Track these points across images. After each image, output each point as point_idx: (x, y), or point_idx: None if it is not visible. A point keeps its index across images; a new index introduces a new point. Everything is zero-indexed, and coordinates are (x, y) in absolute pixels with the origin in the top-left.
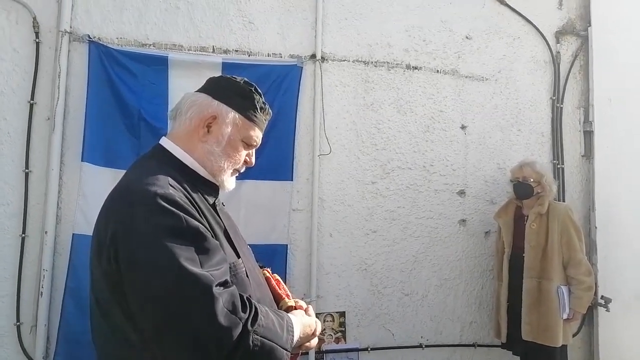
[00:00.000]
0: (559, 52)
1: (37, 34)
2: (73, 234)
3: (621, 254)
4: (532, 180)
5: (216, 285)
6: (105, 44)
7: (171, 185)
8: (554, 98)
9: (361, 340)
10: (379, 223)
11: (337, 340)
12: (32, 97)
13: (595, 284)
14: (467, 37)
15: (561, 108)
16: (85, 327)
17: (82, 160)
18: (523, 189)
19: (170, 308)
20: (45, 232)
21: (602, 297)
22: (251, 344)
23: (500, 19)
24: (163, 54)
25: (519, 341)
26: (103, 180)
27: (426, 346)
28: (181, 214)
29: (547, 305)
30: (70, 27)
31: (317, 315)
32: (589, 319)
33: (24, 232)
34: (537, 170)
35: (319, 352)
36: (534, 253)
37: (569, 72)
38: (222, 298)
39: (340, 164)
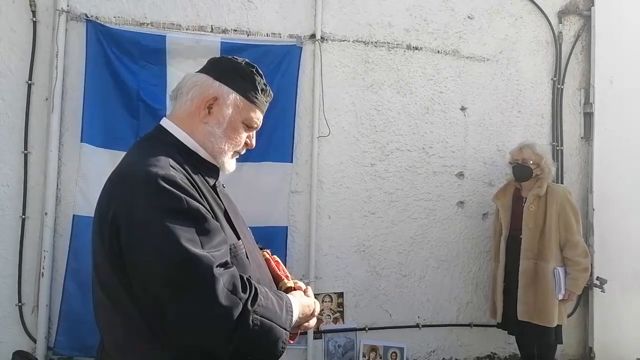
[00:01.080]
0: (561, 32)
1: (34, 12)
2: (73, 215)
3: (618, 235)
4: (531, 162)
5: (217, 266)
6: (102, 23)
7: (172, 167)
8: (555, 79)
9: (359, 320)
10: (378, 205)
11: (335, 321)
12: (30, 77)
13: (591, 265)
14: (468, 17)
15: (562, 89)
16: (86, 307)
17: (81, 141)
18: (522, 170)
19: (171, 288)
20: (45, 213)
21: (598, 278)
22: (251, 323)
23: None
24: (161, 33)
25: (515, 321)
26: (102, 161)
27: (423, 326)
28: (182, 195)
29: (543, 285)
30: (68, 6)
31: (316, 295)
32: (584, 300)
33: (24, 213)
34: (536, 152)
35: (318, 332)
36: (531, 235)
37: (571, 52)
38: (223, 278)
39: (340, 146)
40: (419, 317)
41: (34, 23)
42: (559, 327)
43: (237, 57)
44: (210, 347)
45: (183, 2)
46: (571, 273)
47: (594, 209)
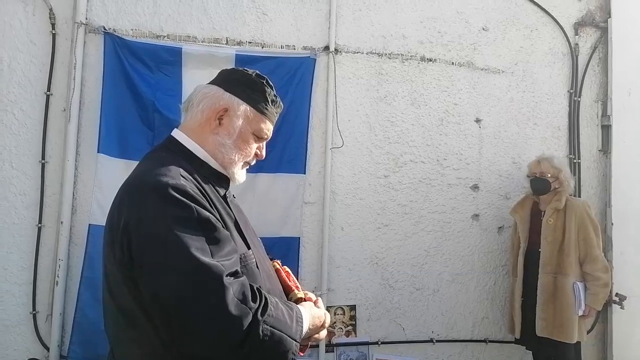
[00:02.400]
0: (577, 44)
1: (53, 25)
2: (89, 224)
3: (637, 250)
4: (549, 175)
5: (227, 275)
6: (120, 36)
7: (182, 176)
8: (572, 91)
9: (372, 333)
10: (391, 217)
11: (348, 334)
12: (49, 89)
13: (611, 281)
14: (483, 29)
15: (579, 101)
16: (100, 317)
17: (98, 152)
18: (540, 184)
19: (181, 297)
20: (61, 222)
21: (617, 294)
22: (261, 333)
23: (518, 10)
24: (177, 45)
25: (533, 337)
26: (118, 172)
27: (437, 341)
28: (192, 204)
29: (563, 301)
30: (86, 19)
31: (328, 308)
32: (602, 316)
33: (40, 222)
34: (555, 165)
35: (330, 345)
36: (550, 249)
37: (588, 64)
38: (233, 288)
39: (353, 157)
40: (432, 331)
41: (53, 35)
42: (578, 343)
43: (248, 69)
44: (219, 357)
45: (199, 15)
46: (591, 288)
47: (612, 224)
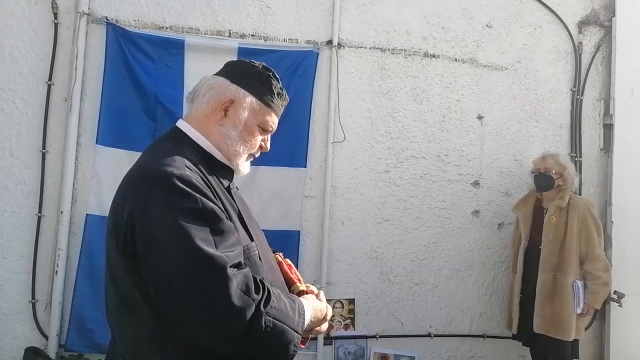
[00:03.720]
0: (581, 43)
1: (55, 15)
2: (87, 214)
3: (637, 248)
4: (554, 172)
5: (230, 267)
6: (122, 27)
7: (187, 167)
8: (574, 90)
9: (370, 327)
10: (391, 212)
11: (346, 327)
12: (50, 78)
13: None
14: (487, 26)
15: (581, 100)
16: (97, 305)
17: (96, 143)
18: (544, 180)
19: (185, 288)
20: (61, 212)
21: (615, 292)
22: (263, 325)
23: (522, 8)
24: (180, 37)
25: (530, 333)
26: (118, 162)
27: (435, 335)
28: (197, 195)
29: (562, 298)
30: (89, 9)
31: (327, 301)
32: (600, 314)
33: (40, 211)
34: (560, 162)
35: (328, 338)
36: (551, 246)
37: (591, 63)
38: (236, 279)
39: (354, 152)
40: (431, 326)
41: (55, 25)
42: (575, 341)
43: (254, 61)
44: (222, 347)
45: (202, 6)
46: (591, 287)
47: (612, 222)
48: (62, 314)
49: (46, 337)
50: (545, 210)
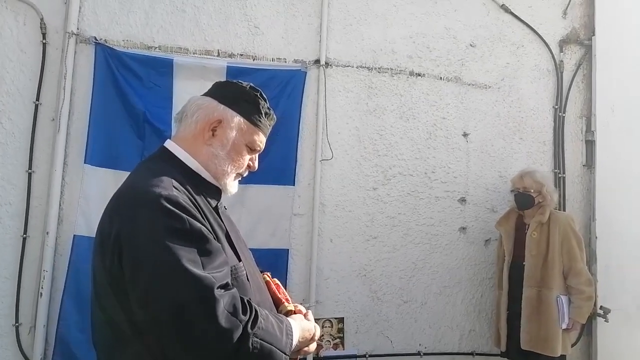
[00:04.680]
0: (562, 61)
1: (44, 35)
2: (74, 235)
3: (621, 264)
4: (532, 190)
5: (217, 288)
6: (111, 46)
7: (175, 187)
8: (557, 107)
9: (359, 346)
10: (380, 229)
11: (335, 347)
12: (38, 98)
13: (595, 294)
14: (470, 45)
15: (563, 117)
16: (83, 328)
17: (84, 162)
18: (524, 199)
19: (171, 309)
20: (47, 233)
21: (601, 307)
22: (251, 346)
23: (505, 27)
24: (168, 56)
25: (518, 350)
26: (106, 182)
27: (424, 354)
28: (184, 215)
29: (547, 314)
30: (77, 29)
31: (316, 320)
32: (587, 330)
33: (25, 232)
34: (537, 179)
35: (318, 358)
36: (534, 262)
37: (572, 81)
38: (223, 300)
39: (342, 170)
40: (420, 344)
41: (44, 45)
42: (563, 357)
43: (242, 81)
44: None
45: (191, 26)
46: (575, 302)
47: (596, 237)
48: (47, 337)
49: None
50: (527, 226)
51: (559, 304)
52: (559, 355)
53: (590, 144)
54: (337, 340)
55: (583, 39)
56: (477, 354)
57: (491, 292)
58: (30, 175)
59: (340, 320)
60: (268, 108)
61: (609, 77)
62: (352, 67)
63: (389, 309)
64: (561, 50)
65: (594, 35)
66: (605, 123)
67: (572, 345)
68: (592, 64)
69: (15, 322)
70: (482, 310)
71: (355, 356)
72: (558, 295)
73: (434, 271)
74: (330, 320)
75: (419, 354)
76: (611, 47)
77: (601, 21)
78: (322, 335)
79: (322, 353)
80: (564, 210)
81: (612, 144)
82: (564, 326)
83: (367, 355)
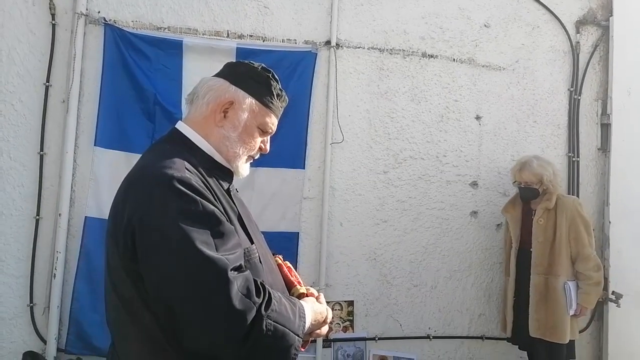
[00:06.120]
0: (578, 42)
1: (53, 15)
2: (85, 216)
3: (635, 249)
4: (533, 183)
5: (231, 270)
6: (120, 27)
7: (187, 169)
8: (572, 89)
9: (369, 329)
10: (390, 213)
11: (345, 329)
12: (48, 80)
13: (607, 279)
14: (485, 25)
15: (579, 100)
16: (96, 309)
17: (94, 145)
18: (527, 193)
19: (185, 291)
20: (59, 215)
21: (613, 292)
22: (264, 328)
23: (520, 7)
24: (178, 38)
25: (525, 336)
26: (116, 164)
27: (434, 337)
28: (197, 197)
29: (554, 301)
30: (87, 10)
31: (326, 304)
32: (598, 314)
33: (38, 214)
34: (535, 172)
35: (327, 341)
36: (541, 248)
37: (588, 62)
38: (237, 282)
39: (352, 153)
40: (429, 328)
41: (53, 26)
42: (571, 342)
43: (254, 62)
44: (222, 351)
45: (200, 7)
46: (583, 287)
47: (610, 222)
48: (61, 317)
49: (44, 341)
50: (533, 212)
51: (566, 291)
52: (567, 342)
53: (605, 127)
54: (347, 323)
55: (600, 20)
56: (486, 338)
57: (501, 277)
58: (41, 157)
59: (350, 303)
60: (280, 89)
61: (625, 59)
62: (363, 48)
63: (399, 292)
64: (577, 31)
65: (611, 16)
66: (621, 106)
67: (582, 331)
68: (609, 45)
69: (30, 303)
70: (492, 295)
71: (365, 339)
72: (565, 282)
73: (444, 255)
74: (340, 303)
75: (428, 337)
76: (629, 28)
77: (619, 2)
78: (332, 318)
79: (332, 335)
80: (578, 194)
81: (628, 127)
82: (571, 312)
83: (376, 338)
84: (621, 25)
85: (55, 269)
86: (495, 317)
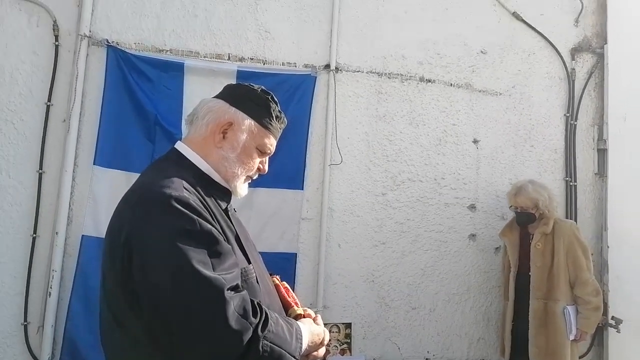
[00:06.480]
0: (574, 69)
1: (56, 37)
2: (82, 235)
3: (634, 274)
4: (529, 208)
5: (228, 289)
6: (123, 49)
7: (185, 189)
8: (568, 115)
9: (367, 352)
10: (388, 235)
11: (343, 352)
12: (49, 99)
13: (606, 304)
14: (481, 52)
15: (575, 125)
16: (91, 328)
17: (93, 164)
18: (524, 218)
19: (181, 310)
20: (56, 233)
21: (613, 317)
22: (261, 349)
23: (516, 34)
24: (179, 60)
25: None
26: (115, 183)
27: None
28: (195, 217)
29: (554, 327)
30: (90, 32)
31: (324, 325)
32: (599, 340)
33: (35, 232)
34: (530, 196)
35: None
36: (540, 273)
37: (584, 89)
38: (234, 302)
39: (351, 174)
40: (428, 351)
41: (56, 47)
42: None
43: (253, 84)
44: None
45: (202, 31)
46: (582, 312)
47: (608, 247)
48: (55, 337)
49: None
50: (531, 236)
51: (566, 316)
52: None
53: (602, 153)
54: (345, 345)
55: (595, 47)
56: None
57: (501, 301)
58: (40, 175)
59: (348, 325)
60: (279, 111)
61: (620, 85)
62: (362, 72)
63: (397, 315)
64: (573, 59)
65: (606, 43)
66: (617, 131)
67: (582, 357)
68: (604, 72)
69: (24, 321)
70: (491, 319)
71: None
72: (565, 307)
73: (443, 278)
74: (337, 326)
75: None
76: (623, 56)
77: (613, 30)
78: (330, 341)
79: (329, 358)
80: (576, 219)
81: (624, 152)
82: (571, 337)
83: None
84: (616, 53)
85: (51, 287)
86: (495, 342)
